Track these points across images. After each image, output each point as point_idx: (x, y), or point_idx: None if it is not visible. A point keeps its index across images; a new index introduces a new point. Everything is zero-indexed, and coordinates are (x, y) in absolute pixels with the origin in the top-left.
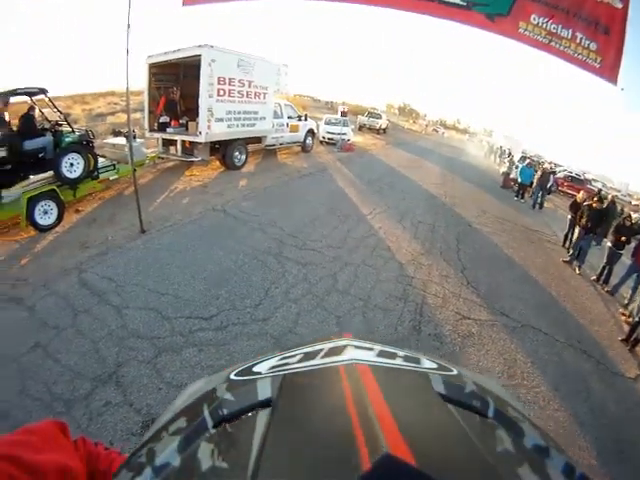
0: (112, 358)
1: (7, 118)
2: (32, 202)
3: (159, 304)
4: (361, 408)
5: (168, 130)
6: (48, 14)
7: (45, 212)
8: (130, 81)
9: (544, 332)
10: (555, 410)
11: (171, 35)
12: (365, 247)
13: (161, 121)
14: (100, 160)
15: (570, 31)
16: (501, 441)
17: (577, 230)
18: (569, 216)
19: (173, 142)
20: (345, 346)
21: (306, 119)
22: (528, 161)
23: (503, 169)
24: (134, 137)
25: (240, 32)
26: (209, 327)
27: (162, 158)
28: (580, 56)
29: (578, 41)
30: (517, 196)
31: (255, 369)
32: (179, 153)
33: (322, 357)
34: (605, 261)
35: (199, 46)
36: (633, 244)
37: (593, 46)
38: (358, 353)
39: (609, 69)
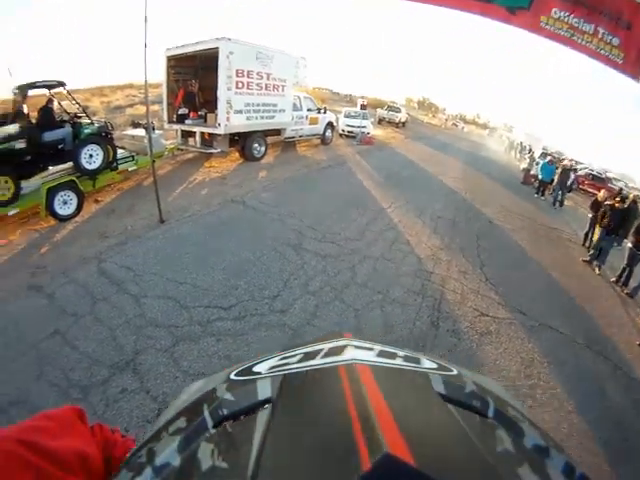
0: (130, 346)
1: (26, 111)
2: (51, 193)
3: (177, 293)
4: (361, 408)
5: (187, 122)
6: (67, 8)
7: (65, 202)
8: (148, 74)
9: (562, 332)
10: (569, 412)
11: (189, 29)
12: (384, 240)
13: (180, 113)
14: (119, 151)
15: (592, 26)
16: (501, 441)
17: (597, 230)
18: (589, 215)
19: (192, 134)
20: (345, 346)
21: (325, 112)
22: (549, 158)
23: (523, 165)
24: (153, 129)
25: (259, 25)
26: (227, 317)
27: (181, 149)
28: (602, 51)
29: (600, 36)
30: (537, 193)
31: (255, 369)
32: (198, 145)
33: (322, 357)
34: (625, 262)
35: (217, 39)
36: None
37: (615, 41)
38: (358, 353)
39: (631, 65)
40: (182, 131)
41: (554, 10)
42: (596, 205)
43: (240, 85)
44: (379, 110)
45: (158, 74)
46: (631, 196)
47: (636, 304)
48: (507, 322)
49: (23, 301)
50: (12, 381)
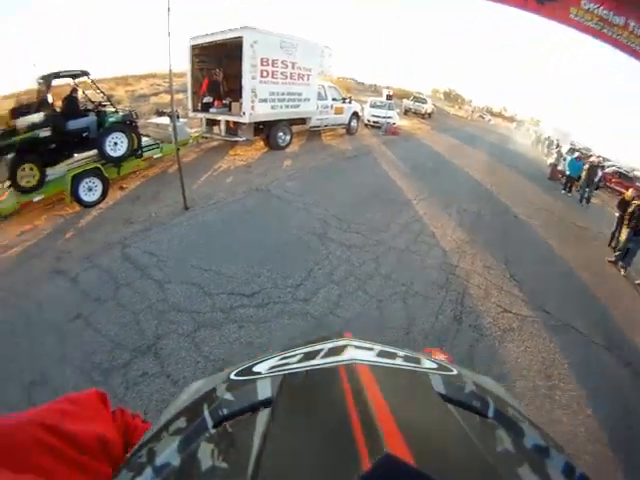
0: (152, 330)
1: (50, 100)
2: (76, 179)
3: (201, 280)
4: (361, 408)
5: (211, 110)
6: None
7: (89, 189)
8: (172, 63)
9: (584, 334)
10: (587, 416)
11: (214, 18)
12: (409, 232)
13: (204, 101)
14: (144, 139)
15: (623, 18)
16: (501, 441)
17: (625, 230)
18: (617, 214)
19: (217, 122)
20: (345, 346)
21: (350, 102)
22: (577, 154)
23: (550, 160)
24: (177, 117)
25: (285, 14)
26: (250, 304)
27: (206, 138)
28: (633, 44)
29: (631, 29)
30: (565, 189)
31: (255, 369)
32: (223, 133)
33: (322, 357)
34: None
35: (241, 28)
36: None
37: None
38: (358, 353)
39: None
40: (207, 119)
41: (584, 2)
42: (623, 204)
43: (265, 74)
44: (405, 101)
45: (181, 63)
46: None
47: None
48: (530, 320)
49: (48, 285)
50: (34, 362)
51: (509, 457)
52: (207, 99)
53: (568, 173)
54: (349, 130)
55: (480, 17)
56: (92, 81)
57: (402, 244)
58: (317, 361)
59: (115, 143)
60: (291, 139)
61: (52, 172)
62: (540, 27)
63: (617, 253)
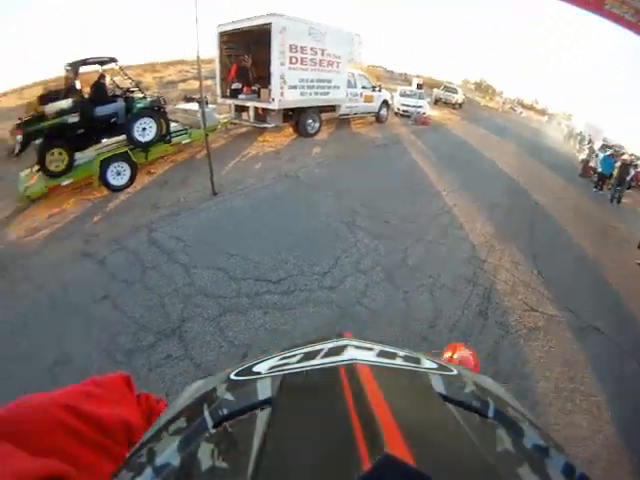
0: (177, 314)
1: (78, 86)
2: (105, 164)
3: (228, 265)
4: (361, 408)
5: (240, 96)
6: None
7: (118, 173)
8: (200, 49)
9: (610, 337)
10: (606, 422)
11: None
12: (438, 224)
13: (233, 88)
14: (172, 125)
15: None
16: (501, 441)
17: None
18: None
19: (245, 108)
20: (345, 346)
21: (380, 90)
22: (610, 151)
23: (582, 156)
24: (206, 103)
25: (315, 2)
26: (276, 291)
27: (234, 124)
28: None
29: None
30: (596, 187)
31: (255, 369)
32: (251, 119)
33: (322, 357)
34: None
35: (269, 14)
36: None
37: None
38: (358, 353)
39: None
40: (236, 106)
41: None
42: None
43: (294, 60)
44: (435, 90)
45: (210, 50)
46: None
47: None
48: (556, 320)
49: (76, 267)
50: (59, 342)
51: (509, 457)
52: (236, 85)
53: (600, 170)
54: (379, 118)
55: (514, 7)
56: (120, 67)
57: (431, 236)
58: (317, 361)
59: (144, 129)
60: (320, 126)
61: (81, 156)
62: (574, 18)
63: None
